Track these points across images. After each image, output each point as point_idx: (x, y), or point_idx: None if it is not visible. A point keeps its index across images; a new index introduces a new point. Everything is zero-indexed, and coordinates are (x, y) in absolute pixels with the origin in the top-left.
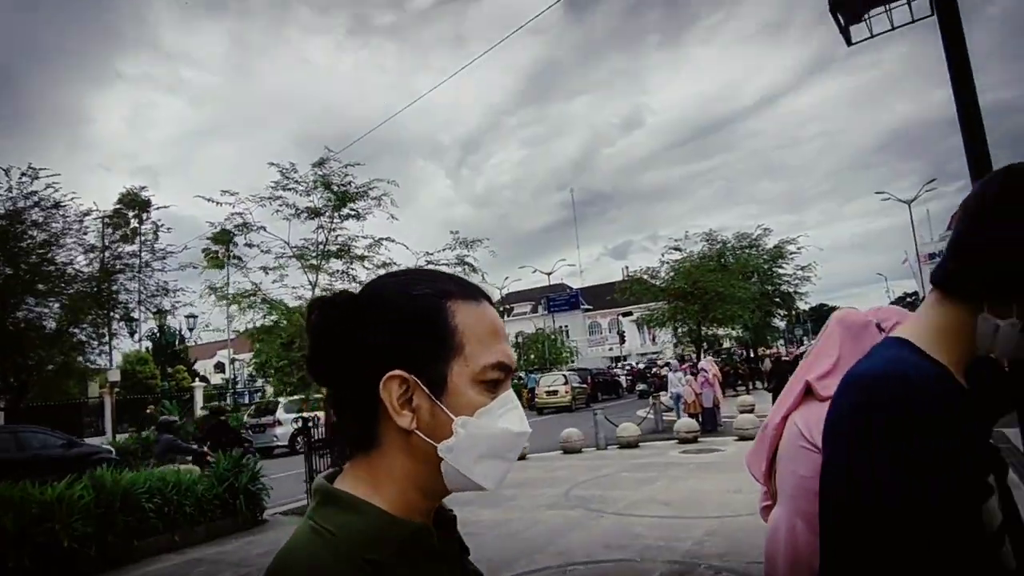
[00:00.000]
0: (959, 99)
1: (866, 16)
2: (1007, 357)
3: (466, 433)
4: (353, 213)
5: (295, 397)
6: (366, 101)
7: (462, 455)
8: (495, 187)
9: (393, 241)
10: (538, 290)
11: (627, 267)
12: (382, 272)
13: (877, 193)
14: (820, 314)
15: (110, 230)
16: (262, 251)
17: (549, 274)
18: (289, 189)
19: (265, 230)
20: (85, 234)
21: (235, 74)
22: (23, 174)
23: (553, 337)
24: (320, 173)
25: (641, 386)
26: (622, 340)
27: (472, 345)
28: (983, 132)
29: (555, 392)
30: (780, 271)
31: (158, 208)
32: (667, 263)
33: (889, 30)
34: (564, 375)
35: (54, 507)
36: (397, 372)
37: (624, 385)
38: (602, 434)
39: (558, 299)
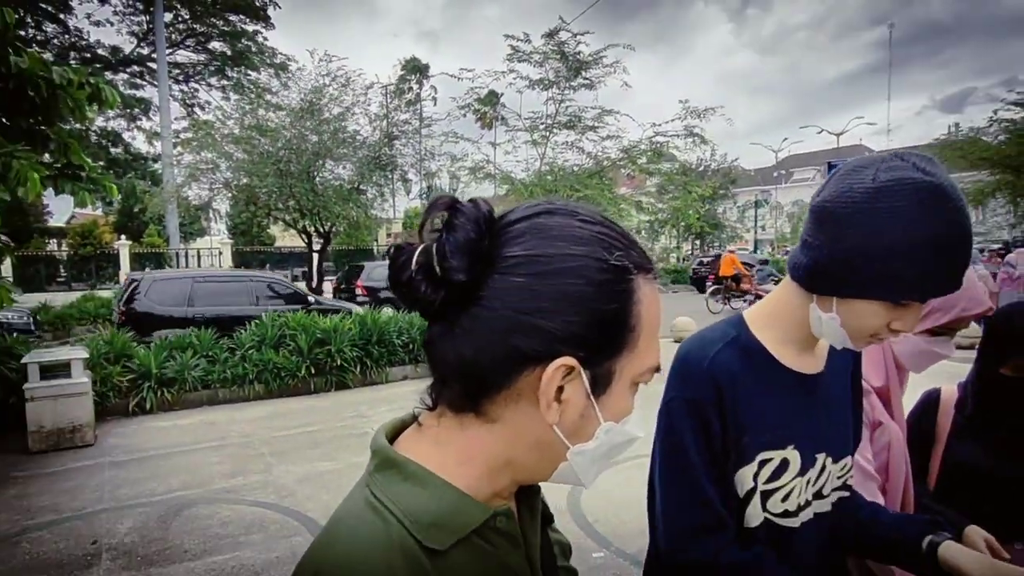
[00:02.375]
0: None
1: None
2: (834, 344)
3: (606, 440)
4: (585, 83)
5: None
6: None
7: (588, 459)
8: (787, 28)
9: (619, 113)
10: (827, 152)
11: (956, 124)
12: (608, 144)
13: None
14: None
15: (391, 99)
16: (498, 121)
17: (839, 135)
18: (522, 61)
19: (500, 104)
20: (369, 105)
21: None
22: (320, 59)
23: None
24: (552, 44)
25: None
26: None
27: (644, 339)
28: None
29: None
30: None
31: (436, 75)
32: (999, 122)
33: None
34: None
35: (331, 334)
36: (570, 361)
37: None
38: None
39: (841, 165)
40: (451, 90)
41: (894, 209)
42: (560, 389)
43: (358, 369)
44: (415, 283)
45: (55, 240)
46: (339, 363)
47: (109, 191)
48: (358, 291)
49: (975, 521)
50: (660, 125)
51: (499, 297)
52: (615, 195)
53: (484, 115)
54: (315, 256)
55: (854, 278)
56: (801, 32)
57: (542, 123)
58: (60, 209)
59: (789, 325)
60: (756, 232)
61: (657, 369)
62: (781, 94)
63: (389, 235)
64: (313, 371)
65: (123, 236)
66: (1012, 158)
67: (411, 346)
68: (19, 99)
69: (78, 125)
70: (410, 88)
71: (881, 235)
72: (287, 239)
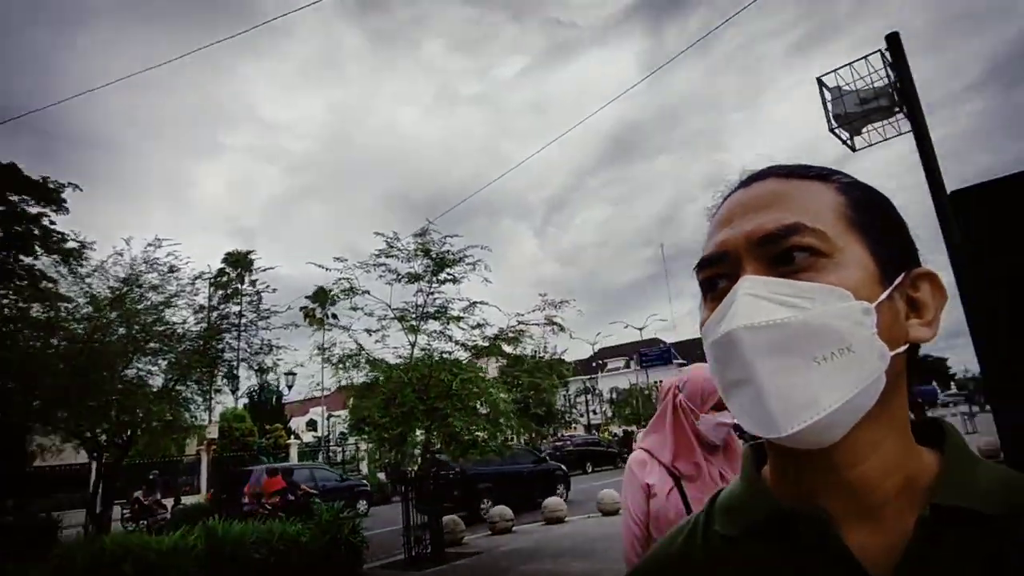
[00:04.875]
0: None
1: (864, 130)
2: None
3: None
4: (450, 278)
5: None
6: (455, 164)
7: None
8: (581, 245)
9: (487, 304)
10: (630, 345)
11: None
12: (476, 332)
13: None
14: None
15: (215, 290)
16: (366, 314)
17: (641, 329)
18: (392, 256)
19: (369, 294)
20: (196, 295)
21: (330, 142)
22: (149, 244)
23: (647, 392)
24: (420, 242)
25: None
26: None
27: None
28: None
29: None
30: None
31: (262, 270)
32: None
33: (882, 140)
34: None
35: (170, 556)
36: None
37: None
38: None
39: (650, 354)
40: (310, 277)
41: None
42: None
43: None
44: None
45: None
46: None
47: None
48: (245, 499)
49: None
50: (524, 315)
51: None
52: (488, 379)
53: (312, 313)
54: (101, 473)
55: None
56: (593, 248)
57: (412, 313)
58: None
59: None
60: (589, 416)
61: (710, 260)
62: (587, 297)
63: (200, 444)
64: None
65: None
66: None
67: (272, 560)
68: None
69: None
70: (230, 281)
71: None
72: (51, 455)
